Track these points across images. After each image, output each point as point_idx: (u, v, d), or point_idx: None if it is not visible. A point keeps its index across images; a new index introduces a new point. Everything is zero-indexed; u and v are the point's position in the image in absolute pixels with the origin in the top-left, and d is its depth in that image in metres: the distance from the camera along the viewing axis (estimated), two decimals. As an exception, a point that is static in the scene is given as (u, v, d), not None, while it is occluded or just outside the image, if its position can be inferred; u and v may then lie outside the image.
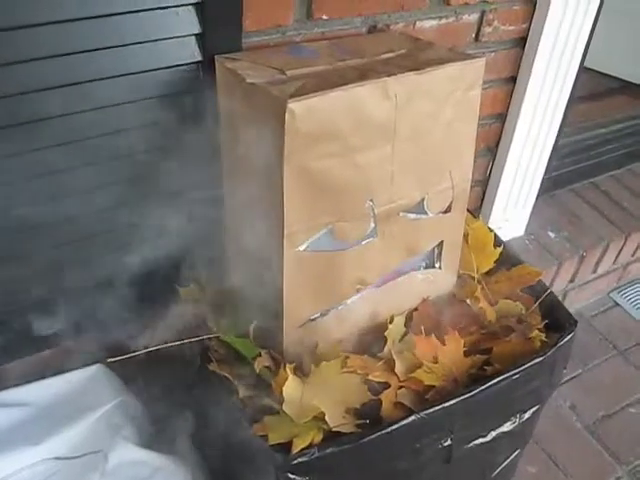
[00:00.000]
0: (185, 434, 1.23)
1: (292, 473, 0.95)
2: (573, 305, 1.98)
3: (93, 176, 1.11)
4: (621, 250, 2.01)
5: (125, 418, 1.16)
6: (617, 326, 2.02)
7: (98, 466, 1.08)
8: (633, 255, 2.10)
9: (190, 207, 1.14)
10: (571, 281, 1.94)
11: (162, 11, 1.02)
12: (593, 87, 2.49)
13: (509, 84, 1.54)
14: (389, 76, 0.97)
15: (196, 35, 1.06)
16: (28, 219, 1.08)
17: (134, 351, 1.08)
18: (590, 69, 1.69)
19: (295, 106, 0.88)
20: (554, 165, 1.83)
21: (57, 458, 1.09)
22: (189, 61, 1.07)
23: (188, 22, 1.04)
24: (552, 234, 1.89)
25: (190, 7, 1.03)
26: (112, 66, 1.02)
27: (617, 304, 2.11)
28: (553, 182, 1.96)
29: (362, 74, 0.98)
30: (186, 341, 1.12)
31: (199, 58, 1.07)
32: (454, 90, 1.06)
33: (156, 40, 1.03)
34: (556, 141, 1.71)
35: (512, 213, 1.77)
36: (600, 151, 2.23)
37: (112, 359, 1.09)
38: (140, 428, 1.19)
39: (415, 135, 1.04)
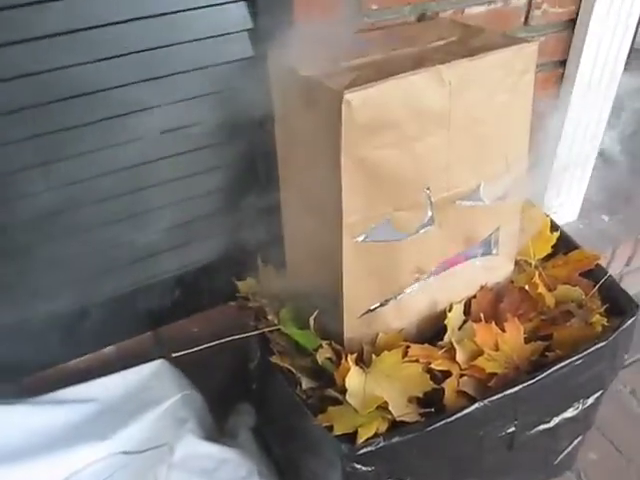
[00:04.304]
0: (248, 427, 1.25)
1: (358, 463, 0.96)
2: (629, 289, 1.93)
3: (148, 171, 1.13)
4: (678, 232, 1.96)
5: (190, 412, 1.18)
6: (675, 309, 1.97)
7: (165, 459, 1.10)
8: (690, 237, 2.06)
9: (246, 200, 1.15)
10: (627, 265, 1.91)
11: (214, 8, 1.02)
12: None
13: (559, 68, 1.52)
14: (443, 63, 0.96)
15: (248, 30, 1.06)
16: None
17: (196, 346, 1.09)
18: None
19: (351, 97, 0.87)
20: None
21: (124, 452, 1.11)
22: (242, 57, 1.08)
23: (240, 18, 1.05)
24: (606, 217, 1.86)
25: (242, 3, 1.04)
26: (164, 64, 1.04)
27: (674, 287, 2.06)
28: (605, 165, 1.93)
29: (416, 62, 0.97)
30: (247, 334, 1.13)
31: (251, 53, 1.08)
32: (507, 75, 1.04)
33: (209, 37, 1.04)
34: (607, 124, 1.68)
35: (565, 198, 1.75)
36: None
37: (175, 354, 1.10)
38: (204, 421, 1.20)
39: (470, 122, 1.03)
